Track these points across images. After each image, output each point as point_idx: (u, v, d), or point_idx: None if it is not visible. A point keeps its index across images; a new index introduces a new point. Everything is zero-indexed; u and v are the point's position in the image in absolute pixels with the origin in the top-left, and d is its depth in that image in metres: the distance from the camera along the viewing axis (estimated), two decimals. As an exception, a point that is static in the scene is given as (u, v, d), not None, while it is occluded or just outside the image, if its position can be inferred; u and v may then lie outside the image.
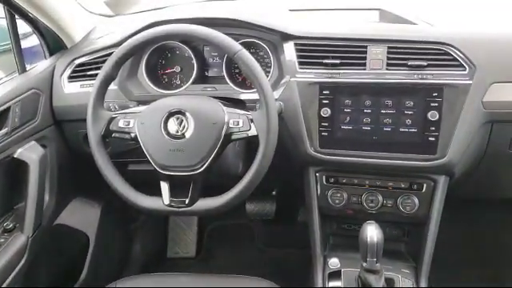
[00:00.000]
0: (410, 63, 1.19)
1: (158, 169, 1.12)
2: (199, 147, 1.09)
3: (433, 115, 1.18)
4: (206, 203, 1.11)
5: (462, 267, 1.96)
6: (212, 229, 2.26)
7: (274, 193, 2.00)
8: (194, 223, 2.24)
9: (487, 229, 2.05)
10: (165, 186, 1.13)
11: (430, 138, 1.19)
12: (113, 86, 1.30)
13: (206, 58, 1.42)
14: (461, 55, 1.18)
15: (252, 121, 1.10)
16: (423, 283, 1.28)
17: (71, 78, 1.44)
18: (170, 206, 1.12)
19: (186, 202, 1.11)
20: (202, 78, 1.41)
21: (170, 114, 1.12)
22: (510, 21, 1.33)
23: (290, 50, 1.27)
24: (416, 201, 1.28)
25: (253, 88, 1.30)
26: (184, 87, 1.37)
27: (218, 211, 1.11)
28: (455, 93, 1.17)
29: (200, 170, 1.09)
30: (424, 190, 1.28)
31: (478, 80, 1.16)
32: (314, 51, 1.26)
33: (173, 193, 1.12)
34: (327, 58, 1.24)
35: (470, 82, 1.16)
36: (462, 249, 2.02)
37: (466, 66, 1.17)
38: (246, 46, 1.25)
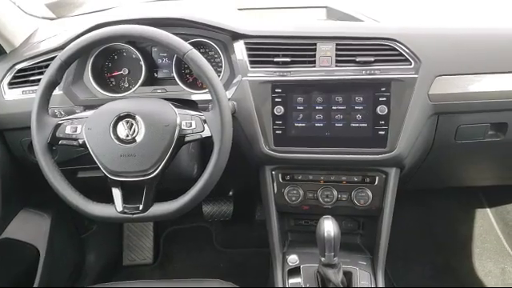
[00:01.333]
0: (358, 59, 1.21)
1: (108, 175, 1.08)
2: (151, 151, 1.06)
3: (382, 109, 1.20)
4: (160, 208, 1.09)
5: (415, 256, 2.03)
6: (168, 233, 2.22)
7: (230, 193, 1.99)
8: (150, 229, 2.19)
9: (438, 217, 2.14)
10: (117, 193, 1.09)
11: (380, 132, 1.22)
12: (57, 91, 1.25)
13: (155, 59, 1.39)
14: (406, 50, 1.21)
15: (205, 121, 1.08)
16: (380, 274, 1.31)
17: (12, 84, 1.37)
18: (123, 212, 1.09)
19: (140, 207, 1.08)
20: (151, 80, 1.38)
21: (119, 118, 1.08)
22: (452, 16, 1.38)
23: (240, 49, 1.27)
24: (369, 193, 1.31)
25: (204, 88, 1.29)
26: (133, 90, 1.33)
27: (173, 215, 1.09)
28: (402, 87, 1.20)
29: (153, 175, 1.06)
30: (376, 182, 1.31)
31: (423, 73, 1.20)
32: (264, 50, 1.26)
33: (126, 199, 1.09)
34: (278, 56, 1.24)
35: (416, 75, 1.20)
36: (415, 238, 2.09)
37: (412, 61, 1.21)
38: (196, 45, 1.23)
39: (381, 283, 1.28)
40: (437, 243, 2.09)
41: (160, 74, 1.40)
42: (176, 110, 1.10)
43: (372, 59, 1.21)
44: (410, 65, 1.21)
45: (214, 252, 2.15)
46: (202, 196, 1.09)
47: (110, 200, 1.10)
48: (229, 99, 1.20)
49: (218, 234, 2.19)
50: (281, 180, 1.34)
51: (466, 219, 2.13)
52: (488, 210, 2.14)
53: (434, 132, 1.30)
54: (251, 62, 1.25)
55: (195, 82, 1.37)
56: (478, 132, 1.31)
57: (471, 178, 1.73)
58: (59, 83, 1.14)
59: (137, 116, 1.08)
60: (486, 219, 2.12)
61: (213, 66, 1.25)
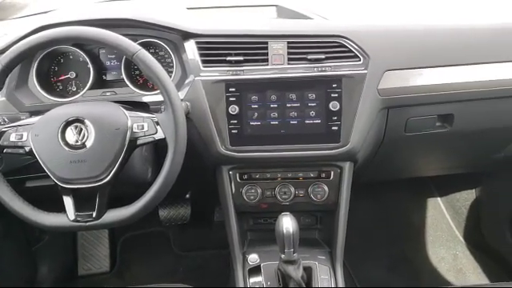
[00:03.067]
0: (309, 57, 1.23)
1: (58, 183, 1.04)
2: (102, 156, 1.03)
3: (334, 105, 1.22)
4: (115, 214, 1.06)
5: (372, 247, 2.08)
6: (125, 240, 2.17)
7: (187, 196, 1.97)
8: (105, 236, 2.13)
9: (392, 209, 2.20)
10: (68, 201, 1.05)
11: (334, 128, 1.24)
12: (0, 98, 1.20)
13: (103, 61, 1.35)
14: (355, 46, 1.23)
15: (158, 123, 1.06)
16: (338, 267, 1.33)
17: None
18: (75, 221, 1.05)
19: (94, 215, 1.04)
20: (100, 83, 1.34)
21: (68, 123, 1.04)
22: (398, 13, 1.42)
23: (191, 49, 1.25)
24: (325, 188, 1.33)
25: (156, 89, 1.27)
26: (81, 94, 1.29)
27: (128, 221, 1.06)
28: (353, 83, 1.22)
29: (106, 180, 1.03)
30: (332, 177, 1.33)
31: (372, 69, 1.23)
32: (216, 49, 1.25)
33: (78, 207, 1.05)
34: (230, 55, 1.23)
35: (366, 71, 1.23)
36: (371, 230, 2.14)
37: (361, 57, 1.23)
38: (145, 46, 1.20)
39: (340, 276, 1.31)
40: (392, 234, 2.15)
41: (109, 77, 1.35)
42: (127, 112, 1.07)
43: (323, 56, 1.22)
44: (360, 61, 1.23)
45: (172, 256, 2.12)
46: (158, 200, 1.06)
47: (61, 209, 1.06)
48: (182, 100, 1.18)
49: (176, 238, 2.16)
50: (238, 180, 1.33)
51: (418, 209, 2.20)
52: (439, 199, 2.22)
53: (385, 125, 1.33)
54: (203, 62, 1.24)
55: (146, 83, 1.34)
56: (427, 124, 1.36)
57: (421, 168, 1.79)
58: (1, 89, 1.09)
59: (86, 120, 1.04)
60: (437, 208, 2.21)
61: (164, 66, 1.24)
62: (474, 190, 2.13)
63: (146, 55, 1.05)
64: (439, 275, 1.97)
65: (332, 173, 1.33)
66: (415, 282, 1.92)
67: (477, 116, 1.37)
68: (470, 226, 2.11)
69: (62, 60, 1.34)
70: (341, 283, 1.29)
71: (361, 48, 1.23)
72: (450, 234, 2.13)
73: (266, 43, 1.24)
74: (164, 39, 1.29)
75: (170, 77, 1.26)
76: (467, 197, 2.14)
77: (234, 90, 1.22)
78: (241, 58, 1.23)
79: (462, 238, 2.11)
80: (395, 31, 1.30)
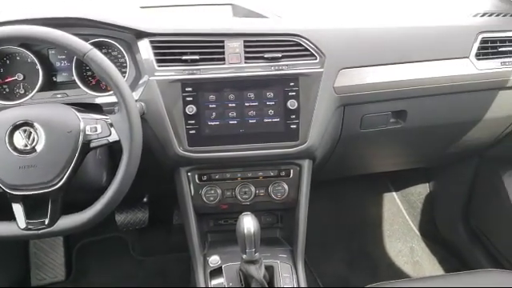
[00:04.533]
0: (266, 55, 1.22)
1: (7, 190, 0.99)
2: (54, 160, 0.99)
3: (292, 104, 1.23)
4: (69, 220, 1.02)
5: (332, 243, 2.11)
6: (81, 247, 2.09)
7: (145, 199, 1.92)
8: (60, 244, 2.05)
9: (351, 204, 2.24)
10: (18, 208, 1.00)
11: (292, 126, 1.24)
12: None
13: (53, 62, 1.29)
14: (311, 45, 1.24)
15: (112, 125, 1.03)
16: (300, 264, 1.34)
17: None
18: (27, 229, 1.00)
19: (46, 222, 1.00)
20: (50, 85, 1.28)
21: (16, 127, 0.99)
22: (352, 13, 1.45)
23: (145, 48, 1.22)
24: (285, 186, 1.33)
25: (109, 90, 1.23)
26: (29, 96, 1.23)
27: (83, 227, 1.02)
28: (309, 81, 1.23)
29: (58, 186, 0.99)
30: (291, 175, 1.33)
31: (328, 67, 1.24)
32: (171, 48, 1.22)
33: (29, 214, 1.00)
34: (186, 54, 1.21)
35: (322, 69, 1.24)
36: (331, 226, 2.17)
37: (317, 55, 1.24)
38: (97, 46, 1.16)
39: (301, 273, 1.31)
40: (351, 229, 2.19)
41: (60, 78, 1.30)
42: (79, 114, 1.03)
43: (279, 55, 1.23)
44: (316, 59, 1.24)
45: (131, 262, 2.07)
46: (114, 204, 1.03)
47: (10, 217, 1.01)
48: (136, 100, 1.15)
49: (134, 243, 2.10)
50: (197, 181, 1.31)
51: (375, 204, 2.25)
52: (394, 193, 2.29)
53: (341, 123, 1.35)
54: (158, 61, 1.21)
55: (99, 84, 1.29)
56: (381, 120, 1.39)
57: (378, 164, 1.84)
58: None
59: (35, 123, 0.99)
60: (394, 203, 2.27)
61: (117, 66, 1.19)
62: (427, 184, 2.20)
63: (97, 55, 1.01)
64: (397, 268, 2.03)
65: (292, 171, 1.33)
66: (374, 275, 1.96)
67: (428, 112, 1.42)
68: (424, 219, 2.18)
69: (7, 61, 1.28)
70: (302, 280, 1.30)
71: (316, 47, 1.24)
72: (406, 227, 2.19)
73: (223, 42, 1.23)
74: (117, 39, 1.25)
75: (124, 77, 1.22)
76: (421, 191, 2.21)
77: (190, 89, 1.20)
78: (197, 57, 1.21)
79: (417, 231, 2.18)
80: (349, 31, 1.32)
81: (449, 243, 2.06)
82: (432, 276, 1.29)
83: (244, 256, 1.12)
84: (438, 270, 2.01)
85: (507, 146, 1.68)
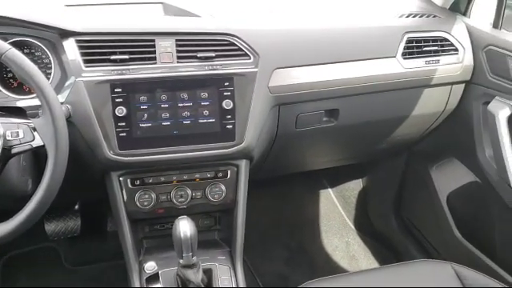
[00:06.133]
0: (199, 55, 1.20)
1: None
2: None
3: (227, 104, 1.22)
4: None
5: (271, 242, 2.13)
6: (8, 260, 1.96)
7: (76, 206, 1.84)
8: (-17, 257, 1.91)
9: (289, 202, 2.27)
10: None
11: (228, 126, 1.23)
12: None
13: None
14: (244, 45, 1.24)
15: (35, 129, 0.97)
16: (238, 265, 1.33)
17: None
18: None
19: (-35, 234, 0.92)
20: None
21: None
22: (285, 14, 1.46)
23: (71, 48, 1.16)
24: (223, 188, 1.32)
25: (32, 93, 1.16)
26: None
27: (8, 238, 0.96)
28: (244, 81, 1.23)
29: (-24, 195, 0.92)
30: (229, 176, 1.32)
31: (262, 67, 1.24)
32: (99, 47, 1.17)
33: None
34: (114, 53, 1.17)
35: (256, 69, 1.24)
36: (270, 225, 2.19)
37: (251, 55, 1.24)
38: (19, 45, 1.10)
39: (240, 274, 1.31)
40: (289, 227, 2.21)
41: None
42: None
43: (213, 54, 1.21)
44: (250, 59, 1.24)
45: (64, 273, 1.96)
46: (39, 213, 0.97)
47: None
48: (62, 103, 1.09)
49: (67, 253, 2.00)
50: (130, 185, 1.26)
51: (311, 201, 2.30)
52: (330, 190, 2.34)
53: (277, 122, 1.36)
54: (85, 62, 1.16)
55: (21, 86, 1.21)
56: (315, 119, 1.42)
57: (313, 162, 1.87)
58: None
59: None
60: (329, 199, 2.32)
61: (41, 67, 1.14)
62: (361, 180, 2.28)
63: (16, 55, 0.95)
64: (334, 263, 2.08)
65: (229, 172, 1.32)
66: (312, 272, 2.00)
67: (359, 110, 1.46)
68: (358, 213, 2.25)
69: None
70: (241, 281, 1.30)
71: (250, 46, 1.24)
72: (341, 222, 2.25)
73: (153, 41, 1.19)
74: (40, 38, 1.18)
75: (49, 79, 1.16)
76: (355, 186, 2.28)
77: (120, 90, 1.16)
78: (126, 57, 1.16)
79: (352, 226, 2.24)
80: (283, 31, 1.33)
81: (382, 236, 2.14)
82: (366, 270, 1.33)
83: (181, 261, 1.10)
84: (373, 263, 2.08)
85: (433, 142, 1.77)
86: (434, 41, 1.46)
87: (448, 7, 1.58)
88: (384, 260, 2.07)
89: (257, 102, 1.24)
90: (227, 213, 1.38)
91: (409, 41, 1.42)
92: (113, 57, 1.16)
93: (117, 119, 1.16)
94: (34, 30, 1.17)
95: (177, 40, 1.20)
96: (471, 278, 1.16)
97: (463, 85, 1.54)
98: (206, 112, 1.21)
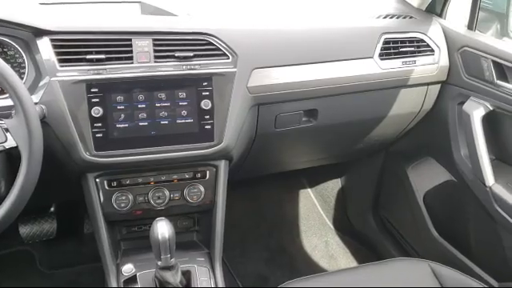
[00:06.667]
0: (177, 54, 1.19)
1: None
2: None
3: (206, 104, 1.21)
4: None
5: (251, 242, 2.12)
6: None
7: (52, 209, 1.80)
8: (-47, 262, 1.86)
9: (269, 203, 2.27)
10: None
11: (207, 126, 1.22)
12: None
13: None
14: (223, 45, 1.23)
15: (7, 130, 0.94)
16: (217, 266, 1.32)
17: None
18: None
19: None
20: None
21: None
22: (264, 13, 1.46)
23: (46, 47, 1.13)
24: (202, 188, 1.31)
25: (5, 93, 1.13)
26: None
27: None
28: (223, 81, 1.22)
29: None
30: (208, 176, 1.31)
31: (241, 67, 1.24)
32: (74, 47, 1.15)
33: None
34: (90, 53, 1.15)
35: (235, 69, 1.23)
36: (249, 225, 2.19)
37: (229, 55, 1.23)
38: (-10, 44, 1.07)
39: (219, 276, 1.30)
40: (269, 227, 2.21)
41: None
42: None
43: (191, 54, 1.20)
44: (228, 59, 1.23)
45: (39, 277, 1.92)
46: (13, 215, 0.95)
47: None
48: (36, 103, 1.07)
49: (42, 256, 1.96)
50: (107, 187, 1.24)
51: (291, 201, 2.30)
52: (309, 189, 2.35)
53: (256, 122, 1.36)
54: (60, 61, 1.13)
55: (-7, 86, 1.18)
56: (294, 119, 1.42)
57: (293, 162, 1.87)
58: None
59: None
60: (309, 198, 2.33)
61: (14, 67, 1.12)
62: (339, 180, 2.29)
63: None
64: (313, 263, 2.08)
65: (208, 172, 1.31)
66: (292, 272, 2.00)
67: (338, 110, 1.47)
68: (337, 213, 2.27)
69: None
70: (220, 282, 1.29)
71: (228, 46, 1.23)
72: (320, 222, 2.27)
73: (130, 40, 1.17)
74: (13, 37, 1.15)
75: (22, 79, 1.13)
76: (334, 186, 2.29)
77: (96, 90, 1.14)
78: (102, 56, 1.14)
79: (331, 225, 2.26)
80: (261, 31, 1.33)
81: (361, 235, 2.16)
82: (345, 269, 1.34)
83: (159, 262, 1.09)
84: (351, 261, 2.10)
85: (410, 141, 1.80)
86: (410, 42, 1.47)
87: (424, 9, 1.60)
88: (363, 259, 2.08)
89: (236, 102, 1.23)
90: (206, 214, 1.37)
91: (386, 42, 1.43)
92: (89, 56, 1.14)
93: (93, 120, 1.14)
94: (6, 29, 1.14)
95: (154, 39, 1.19)
96: (448, 276, 1.17)
97: (439, 85, 1.56)
98: (184, 112, 1.20)
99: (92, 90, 1.13)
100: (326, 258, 2.11)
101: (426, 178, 1.77)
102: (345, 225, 2.23)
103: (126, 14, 1.35)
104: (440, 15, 1.58)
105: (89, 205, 1.26)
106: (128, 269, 1.24)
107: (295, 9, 1.55)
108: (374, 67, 1.42)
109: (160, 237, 1.05)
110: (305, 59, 1.34)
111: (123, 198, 1.25)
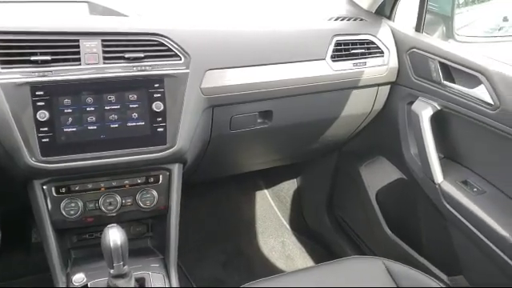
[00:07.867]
0: (127, 56, 1.16)
1: None
2: None
3: (158, 106, 1.18)
4: None
5: (207, 246, 2.10)
6: None
7: (-4, 218, 1.71)
8: None
9: (225, 205, 2.26)
10: None
11: (159, 129, 1.20)
12: None
13: None
14: (175, 45, 1.21)
15: None
16: (172, 272, 1.30)
17: None
18: None
19: None
20: None
21: None
22: (217, 12, 1.45)
23: None
24: (155, 193, 1.28)
25: None
26: None
27: None
28: (175, 82, 1.20)
29: None
30: (161, 181, 1.28)
31: (194, 68, 1.22)
32: (17, 48, 1.10)
33: None
34: (35, 54, 1.10)
35: (187, 70, 1.21)
36: (206, 229, 2.16)
37: (181, 56, 1.21)
38: None
39: (174, 281, 1.28)
40: (226, 230, 2.20)
41: None
42: None
43: (142, 55, 1.17)
44: (180, 60, 1.21)
45: None
46: None
47: None
48: (-24, 107, 1.01)
49: None
50: (55, 194, 1.19)
51: (248, 203, 2.30)
52: (266, 191, 2.36)
53: (211, 124, 1.34)
54: (2, 62, 1.08)
55: None
56: (249, 121, 1.42)
57: (249, 164, 1.87)
58: None
59: None
60: (265, 199, 2.33)
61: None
62: (295, 180, 2.31)
63: None
64: (271, 264, 2.09)
65: (161, 176, 1.28)
66: (249, 274, 2.00)
67: (292, 111, 1.48)
68: (293, 213, 2.28)
69: None
70: None
71: (180, 47, 1.21)
72: (277, 223, 2.27)
73: (78, 41, 1.13)
74: None
75: (-40, 81, 1.07)
76: (289, 187, 2.31)
77: (41, 93, 1.09)
78: (48, 58, 1.10)
79: (288, 226, 2.27)
80: (214, 32, 1.32)
81: (316, 234, 2.19)
82: (301, 269, 1.34)
83: (111, 271, 1.05)
84: (308, 261, 2.11)
85: (362, 141, 1.83)
86: (360, 44, 1.50)
87: (374, 11, 1.64)
88: (319, 258, 2.11)
89: (189, 104, 1.21)
90: (160, 219, 1.34)
91: (337, 43, 1.46)
92: (33, 57, 1.09)
93: (38, 124, 1.09)
94: None
95: (103, 40, 1.15)
96: (401, 273, 1.20)
97: (389, 86, 1.60)
98: (134, 115, 1.17)
99: (37, 93, 1.08)
100: (282, 258, 2.12)
101: (378, 176, 1.81)
102: (301, 225, 2.25)
103: (73, 13, 1.31)
104: (389, 17, 1.62)
105: (36, 213, 1.20)
106: (79, 278, 1.20)
107: (249, 10, 1.55)
108: (326, 69, 1.43)
109: (112, 244, 1.01)
110: (259, 61, 1.34)
111: (72, 204, 1.20)
